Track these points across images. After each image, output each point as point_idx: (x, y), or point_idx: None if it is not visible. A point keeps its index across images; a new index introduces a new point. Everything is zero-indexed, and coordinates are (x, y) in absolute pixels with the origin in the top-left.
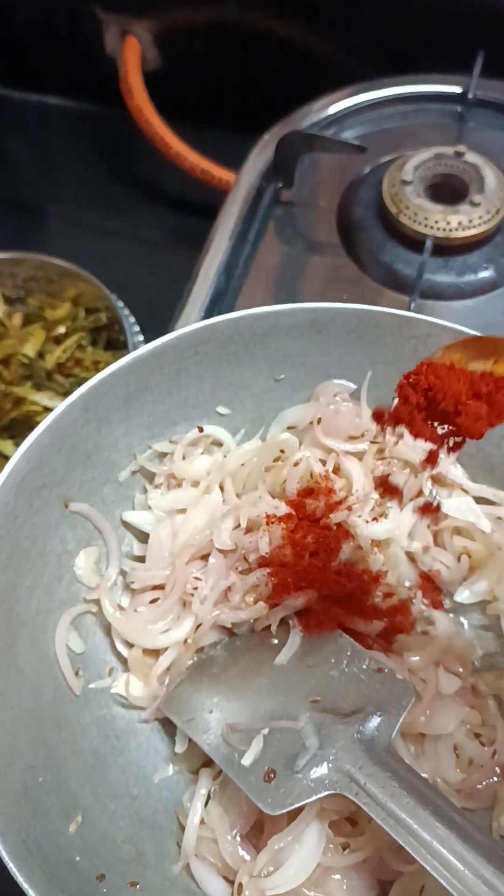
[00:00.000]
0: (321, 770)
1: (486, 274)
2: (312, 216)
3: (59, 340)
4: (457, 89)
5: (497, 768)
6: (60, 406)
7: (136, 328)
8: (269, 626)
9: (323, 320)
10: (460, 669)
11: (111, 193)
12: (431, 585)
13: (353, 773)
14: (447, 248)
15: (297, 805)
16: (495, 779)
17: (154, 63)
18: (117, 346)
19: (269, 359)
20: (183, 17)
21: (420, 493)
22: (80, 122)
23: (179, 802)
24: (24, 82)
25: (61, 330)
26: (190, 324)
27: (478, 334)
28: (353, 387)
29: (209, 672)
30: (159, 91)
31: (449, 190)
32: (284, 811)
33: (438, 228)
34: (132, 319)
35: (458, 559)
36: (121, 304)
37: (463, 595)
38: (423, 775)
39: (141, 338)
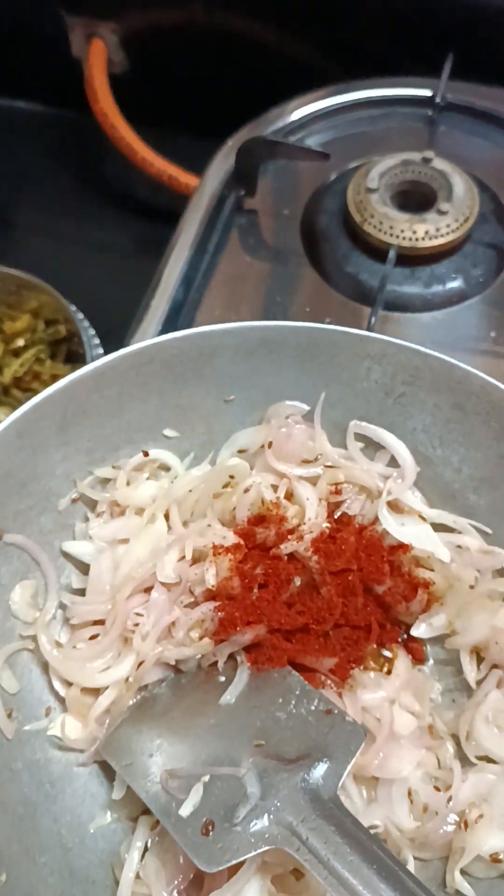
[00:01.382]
0: (262, 822)
1: (454, 284)
2: (276, 225)
3: (17, 353)
4: (427, 93)
5: (453, 815)
6: None
7: (96, 340)
8: (216, 663)
9: (274, 339)
10: (417, 707)
11: (77, 200)
12: (388, 618)
13: (296, 826)
14: (414, 258)
15: (234, 861)
16: (451, 827)
17: (121, 66)
18: (77, 359)
19: (217, 379)
20: (150, 19)
21: (376, 520)
22: (46, 127)
23: (116, 853)
24: None
25: (20, 343)
26: (147, 339)
27: (437, 354)
28: (307, 408)
29: (152, 712)
30: (127, 95)
31: (416, 197)
32: (221, 868)
33: (404, 238)
34: (92, 332)
35: (416, 591)
36: (80, 315)
37: (420, 629)
38: (376, 822)
39: (101, 350)
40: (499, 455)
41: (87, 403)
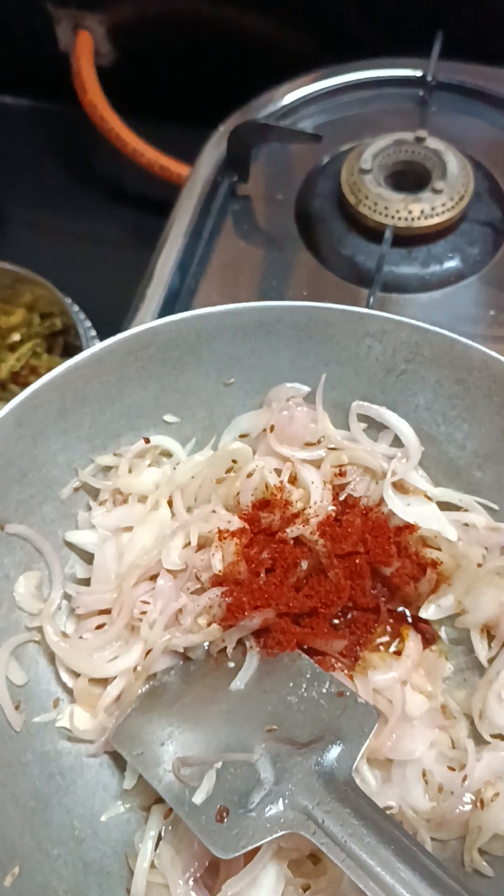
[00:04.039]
0: (277, 807)
1: (451, 264)
2: (270, 210)
3: (13, 348)
4: (417, 73)
5: (469, 794)
6: None
7: (93, 332)
8: (225, 649)
9: (270, 320)
10: (429, 688)
11: (70, 194)
12: (398, 599)
13: (311, 809)
14: (410, 238)
15: (250, 847)
16: (467, 806)
17: (108, 57)
18: (74, 351)
19: (216, 362)
20: (136, 9)
21: (381, 502)
22: (36, 122)
23: (130, 844)
24: None
25: (16, 337)
26: None
27: (437, 329)
28: (307, 390)
29: (161, 701)
30: (116, 86)
31: (411, 177)
32: (237, 854)
33: (399, 218)
34: (88, 324)
35: (425, 571)
36: (76, 307)
37: (428, 611)
38: (391, 803)
39: (98, 342)
40: (502, 429)
41: (85, 390)
